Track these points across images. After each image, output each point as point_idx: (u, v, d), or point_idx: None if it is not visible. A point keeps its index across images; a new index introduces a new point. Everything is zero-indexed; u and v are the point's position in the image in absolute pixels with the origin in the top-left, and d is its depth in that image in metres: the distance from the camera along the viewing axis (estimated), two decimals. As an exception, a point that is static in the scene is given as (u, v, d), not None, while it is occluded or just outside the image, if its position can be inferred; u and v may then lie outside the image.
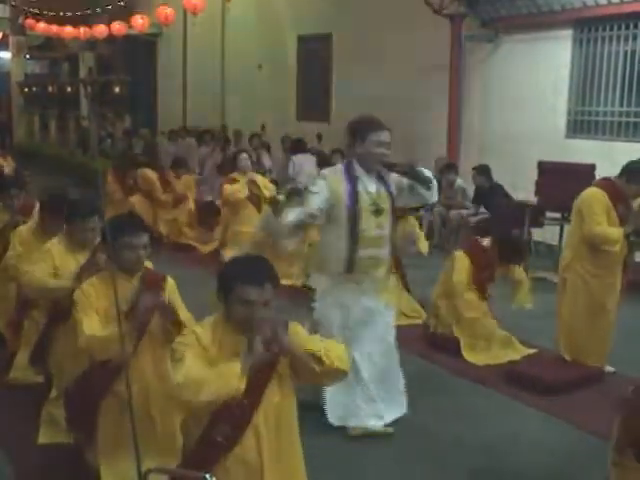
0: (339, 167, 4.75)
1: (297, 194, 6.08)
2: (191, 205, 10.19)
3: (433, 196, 4.74)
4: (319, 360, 2.91)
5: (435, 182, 4.70)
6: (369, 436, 4.56)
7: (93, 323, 3.59)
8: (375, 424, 4.65)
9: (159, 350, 3.78)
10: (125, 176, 11.15)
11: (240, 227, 9.35)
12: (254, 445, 2.93)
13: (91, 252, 4.28)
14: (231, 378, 2.78)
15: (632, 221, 5.43)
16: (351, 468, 4.16)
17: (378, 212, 4.58)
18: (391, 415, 4.75)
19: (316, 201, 4.53)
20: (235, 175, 9.32)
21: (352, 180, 4.57)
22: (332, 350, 2.97)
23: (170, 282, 3.92)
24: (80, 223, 4.38)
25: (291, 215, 4.60)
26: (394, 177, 4.69)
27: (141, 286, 3.74)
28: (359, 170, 4.61)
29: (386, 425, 4.68)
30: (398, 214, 4.99)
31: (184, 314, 3.82)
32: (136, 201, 11.15)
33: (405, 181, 4.66)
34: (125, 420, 3.36)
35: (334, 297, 4.67)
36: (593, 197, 5.47)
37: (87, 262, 4.19)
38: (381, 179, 4.67)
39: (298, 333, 3.04)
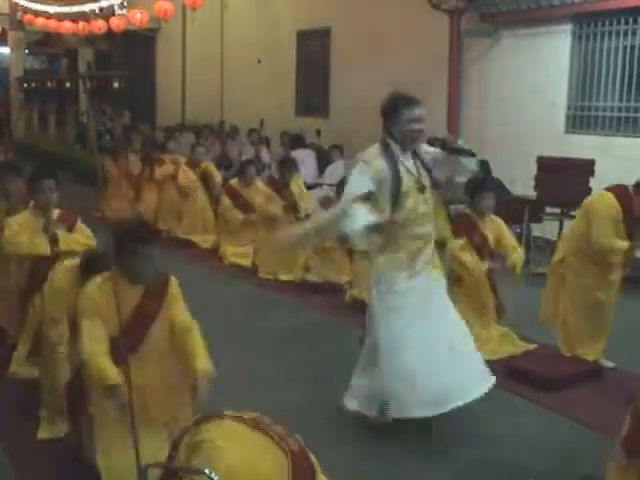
0: (376, 149, 4.59)
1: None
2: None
3: (473, 163, 4.70)
4: None
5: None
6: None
7: (94, 331, 3.63)
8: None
9: (162, 358, 3.81)
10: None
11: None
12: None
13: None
14: None
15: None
16: (352, 465, 4.16)
17: (421, 189, 4.55)
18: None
19: (363, 183, 4.44)
20: (238, 186, 9.33)
21: (393, 161, 4.50)
22: None
23: (173, 284, 3.91)
24: (38, 185, 5.09)
25: (360, 218, 4.36)
26: (429, 150, 4.68)
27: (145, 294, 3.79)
28: (397, 150, 4.55)
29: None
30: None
31: (183, 316, 3.85)
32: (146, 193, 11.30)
33: (441, 153, 4.62)
34: (123, 417, 3.39)
35: (388, 284, 4.52)
36: (605, 206, 5.36)
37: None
38: (416, 156, 4.63)
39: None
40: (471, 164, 4.67)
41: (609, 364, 5.71)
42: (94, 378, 3.61)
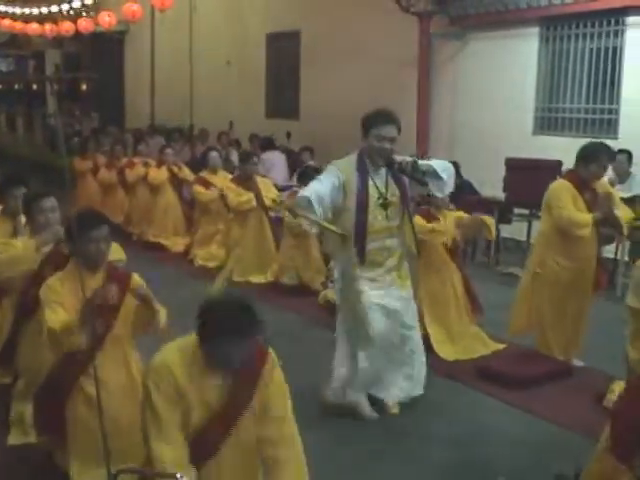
0: (353, 158, 4.80)
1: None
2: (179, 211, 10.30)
3: (446, 185, 4.75)
4: None
5: (447, 171, 4.71)
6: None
7: (58, 315, 3.56)
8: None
9: (125, 350, 3.79)
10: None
11: (210, 227, 9.35)
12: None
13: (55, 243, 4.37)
14: None
15: (601, 208, 5.51)
16: (322, 465, 4.16)
17: (385, 205, 4.71)
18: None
19: (316, 188, 4.61)
20: (205, 175, 9.28)
21: (363, 173, 4.70)
22: None
23: (135, 279, 3.85)
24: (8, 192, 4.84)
25: (307, 190, 4.64)
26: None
27: (106, 280, 3.74)
28: (368, 163, 4.74)
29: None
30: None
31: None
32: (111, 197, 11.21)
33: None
34: (94, 422, 3.34)
35: (355, 288, 4.74)
36: (559, 187, 5.63)
37: (51, 251, 4.34)
38: (391, 171, 4.74)
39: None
40: (436, 185, 4.72)
41: (579, 363, 5.76)
42: (61, 336, 3.51)
